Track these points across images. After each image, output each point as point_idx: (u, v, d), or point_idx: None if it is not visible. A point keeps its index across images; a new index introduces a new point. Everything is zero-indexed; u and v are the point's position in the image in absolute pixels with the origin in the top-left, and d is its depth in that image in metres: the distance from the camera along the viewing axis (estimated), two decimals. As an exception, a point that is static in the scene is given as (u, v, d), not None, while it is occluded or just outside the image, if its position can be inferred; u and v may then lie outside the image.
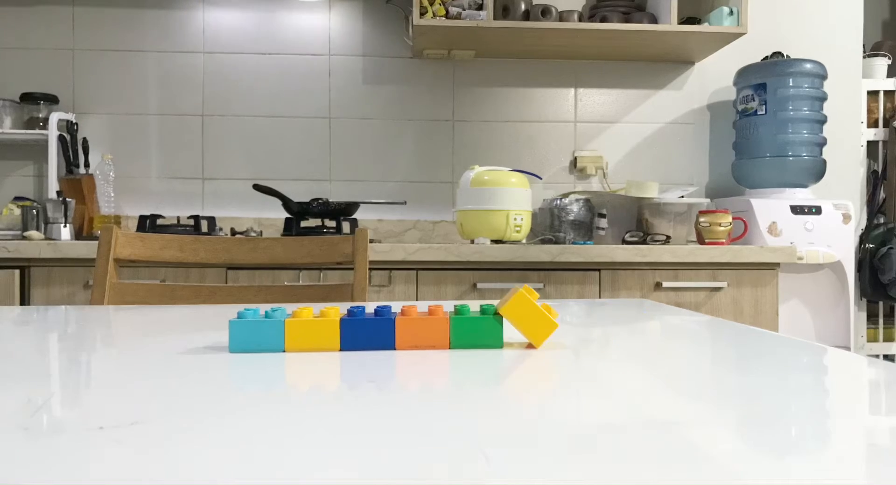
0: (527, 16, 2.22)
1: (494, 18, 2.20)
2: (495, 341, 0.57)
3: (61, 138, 2.22)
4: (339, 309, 0.63)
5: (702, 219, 2.05)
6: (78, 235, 2.18)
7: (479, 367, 0.49)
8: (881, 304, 2.77)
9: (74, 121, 2.25)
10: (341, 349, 0.55)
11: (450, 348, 0.56)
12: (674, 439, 0.31)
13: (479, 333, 0.56)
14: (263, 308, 0.80)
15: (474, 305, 0.84)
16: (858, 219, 2.63)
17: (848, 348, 2.14)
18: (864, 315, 2.70)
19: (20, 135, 2.22)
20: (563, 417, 0.35)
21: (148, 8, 2.37)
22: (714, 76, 2.52)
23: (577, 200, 2.14)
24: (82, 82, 2.36)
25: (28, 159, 2.37)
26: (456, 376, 0.46)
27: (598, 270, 1.91)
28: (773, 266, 1.95)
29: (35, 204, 2.07)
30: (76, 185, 2.20)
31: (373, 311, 0.61)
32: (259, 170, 2.41)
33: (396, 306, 0.91)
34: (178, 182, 2.39)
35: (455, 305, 0.60)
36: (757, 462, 0.28)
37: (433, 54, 2.39)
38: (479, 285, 1.85)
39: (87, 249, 1.79)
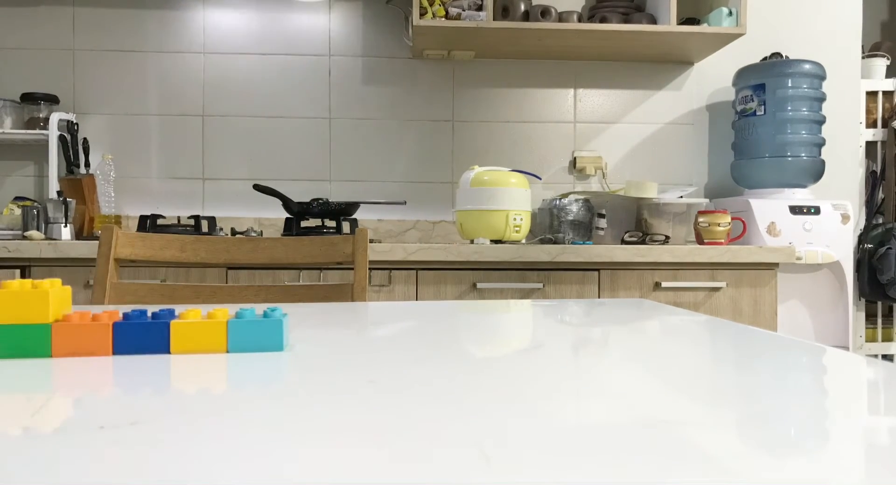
0: (526, 16, 2.23)
1: (494, 19, 2.20)
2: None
3: (62, 138, 2.22)
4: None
5: (701, 219, 2.06)
6: (78, 235, 2.18)
7: (476, 365, 0.49)
8: (880, 304, 2.77)
9: (75, 121, 2.25)
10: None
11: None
12: (673, 438, 0.31)
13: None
14: (260, 308, 0.80)
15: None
16: (857, 219, 2.63)
17: (847, 348, 2.14)
18: (862, 315, 2.70)
19: (21, 135, 2.22)
20: (563, 416, 0.35)
21: (148, 8, 2.38)
22: (713, 77, 2.52)
23: (576, 201, 2.14)
24: (83, 82, 2.37)
25: (28, 159, 2.37)
26: (454, 375, 0.46)
27: (598, 270, 1.91)
28: (771, 266, 1.95)
29: (35, 204, 2.07)
30: (77, 185, 2.20)
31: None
32: (259, 170, 2.41)
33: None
34: (178, 182, 2.39)
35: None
36: (756, 462, 0.28)
37: (433, 55, 2.39)
38: (479, 285, 1.85)
39: (88, 248, 1.79)
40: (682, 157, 2.52)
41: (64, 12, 2.36)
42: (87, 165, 2.25)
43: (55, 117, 2.20)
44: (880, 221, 2.70)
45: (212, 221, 2.13)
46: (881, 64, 2.76)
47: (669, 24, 2.16)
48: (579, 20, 2.23)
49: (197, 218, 2.08)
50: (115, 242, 1.21)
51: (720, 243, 2.02)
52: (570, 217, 2.13)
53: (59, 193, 2.07)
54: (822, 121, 2.24)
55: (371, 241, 2.04)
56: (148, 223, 2.02)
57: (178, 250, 1.26)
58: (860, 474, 0.27)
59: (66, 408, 0.37)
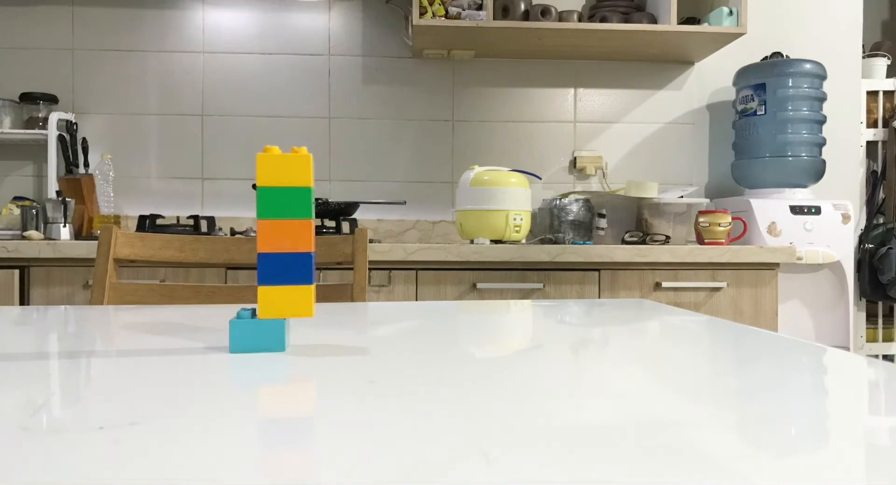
0: (526, 16, 2.22)
1: (494, 18, 2.20)
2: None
3: (61, 138, 2.22)
4: None
5: (701, 219, 2.05)
6: (77, 235, 2.18)
7: (476, 365, 0.49)
8: (880, 304, 2.77)
9: (74, 121, 2.25)
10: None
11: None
12: (673, 439, 0.31)
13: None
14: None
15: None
16: (858, 219, 2.63)
17: (847, 348, 2.14)
18: (863, 315, 2.70)
19: (20, 135, 2.22)
20: (563, 417, 0.35)
21: (148, 8, 2.37)
22: (713, 76, 2.52)
23: (576, 201, 2.14)
24: (82, 82, 2.36)
25: (27, 159, 2.37)
26: (454, 375, 0.46)
27: (598, 270, 1.91)
28: (772, 266, 1.95)
29: (35, 204, 2.07)
30: (76, 185, 2.20)
31: None
32: (259, 170, 2.40)
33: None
34: (177, 182, 2.39)
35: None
36: (757, 462, 0.28)
37: (433, 54, 2.39)
38: (479, 285, 1.85)
39: (87, 248, 1.79)
40: (682, 156, 2.52)
41: (63, 12, 2.35)
42: (87, 164, 2.25)
43: (54, 117, 2.20)
44: (881, 220, 2.70)
45: (211, 220, 2.13)
46: (882, 64, 2.76)
47: (670, 23, 2.16)
48: (579, 20, 2.23)
49: (196, 218, 2.08)
50: (114, 242, 1.21)
51: (721, 243, 2.02)
52: (571, 217, 2.13)
53: (58, 192, 2.07)
54: (822, 120, 2.24)
55: (371, 241, 2.04)
56: (147, 223, 2.02)
57: (177, 250, 1.26)
58: (860, 475, 0.27)
59: (64, 408, 0.37)
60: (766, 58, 2.45)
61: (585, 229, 2.15)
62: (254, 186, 2.01)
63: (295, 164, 0.54)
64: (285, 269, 0.54)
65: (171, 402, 0.38)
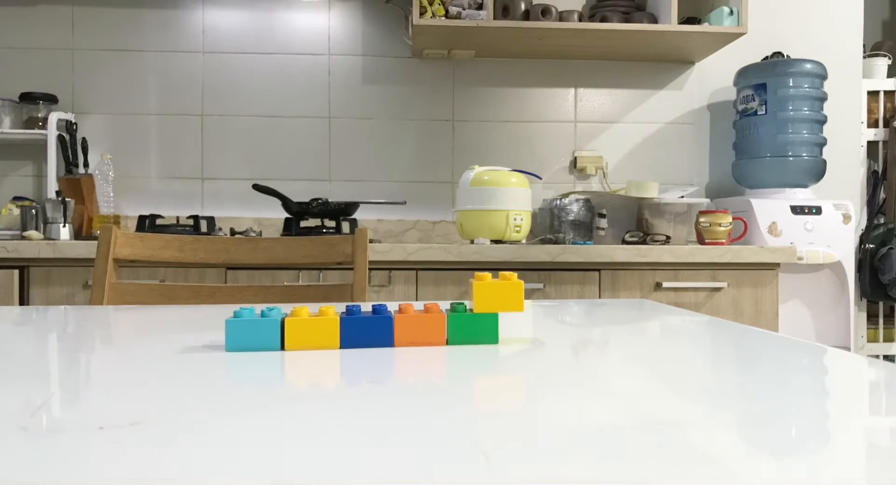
0: (527, 16, 2.22)
1: (494, 18, 2.20)
2: (491, 338, 0.58)
3: (60, 138, 2.22)
4: (336, 308, 0.63)
5: (702, 219, 2.05)
6: (77, 235, 2.18)
7: (477, 365, 0.49)
8: (881, 304, 2.77)
9: (74, 121, 2.25)
10: (341, 347, 0.55)
11: (447, 345, 0.56)
12: (674, 439, 0.31)
13: (476, 330, 0.57)
14: (259, 308, 0.80)
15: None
16: (858, 219, 2.63)
17: (848, 349, 2.14)
18: (864, 315, 2.70)
19: (19, 135, 2.22)
20: (563, 417, 0.35)
21: (148, 8, 2.37)
22: (714, 76, 2.52)
23: (576, 201, 2.14)
24: (82, 82, 2.36)
25: (27, 159, 2.37)
26: (455, 374, 0.46)
27: (598, 270, 1.91)
28: (773, 266, 1.95)
29: (34, 204, 2.07)
30: (75, 185, 2.20)
31: (370, 309, 0.61)
32: (259, 170, 2.41)
33: (393, 305, 0.91)
34: (177, 182, 2.39)
35: (451, 303, 0.60)
36: (757, 462, 0.28)
37: (433, 54, 2.39)
38: (479, 285, 1.85)
39: (87, 249, 1.79)
40: (682, 156, 2.52)
41: (63, 12, 2.35)
42: (86, 164, 2.25)
43: (54, 117, 2.20)
44: (882, 221, 2.70)
45: (211, 221, 2.13)
46: (882, 63, 2.75)
47: (670, 23, 2.16)
48: (580, 19, 2.22)
49: (196, 218, 2.08)
50: (113, 242, 1.21)
51: (721, 243, 2.01)
52: (571, 217, 2.13)
53: (57, 192, 2.07)
54: (823, 120, 2.24)
55: (371, 241, 2.03)
56: (147, 223, 2.02)
57: (177, 250, 1.26)
58: (861, 475, 0.27)
59: (64, 408, 0.36)
60: (766, 58, 2.45)
61: (586, 229, 2.15)
62: (254, 187, 2.01)
63: (509, 290, 0.58)
64: None
65: (171, 402, 0.38)
